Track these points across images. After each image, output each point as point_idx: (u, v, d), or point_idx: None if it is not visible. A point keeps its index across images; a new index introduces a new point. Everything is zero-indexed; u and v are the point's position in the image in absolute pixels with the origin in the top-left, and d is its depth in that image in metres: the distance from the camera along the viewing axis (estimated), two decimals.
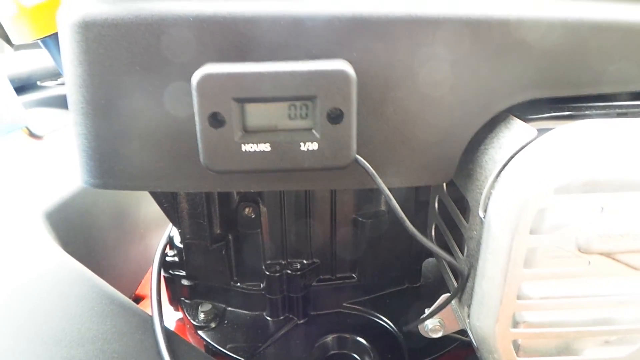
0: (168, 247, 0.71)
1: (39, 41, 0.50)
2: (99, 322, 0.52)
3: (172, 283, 0.70)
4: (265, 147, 0.36)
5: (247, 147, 0.36)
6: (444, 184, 0.52)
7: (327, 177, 0.42)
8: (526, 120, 0.40)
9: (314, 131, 0.36)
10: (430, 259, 0.74)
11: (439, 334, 0.52)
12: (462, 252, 0.47)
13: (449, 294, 0.49)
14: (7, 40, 0.53)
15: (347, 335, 0.66)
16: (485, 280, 0.40)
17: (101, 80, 0.37)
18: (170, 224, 0.70)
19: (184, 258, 0.67)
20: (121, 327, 0.52)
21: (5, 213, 0.68)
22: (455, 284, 0.50)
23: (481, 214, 0.40)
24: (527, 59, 0.39)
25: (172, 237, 0.70)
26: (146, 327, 0.54)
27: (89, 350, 0.48)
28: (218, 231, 0.64)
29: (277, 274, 0.65)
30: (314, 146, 0.36)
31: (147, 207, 0.92)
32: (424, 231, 0.62)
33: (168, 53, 0.36)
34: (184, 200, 0.62)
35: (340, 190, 0.62)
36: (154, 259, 0.67)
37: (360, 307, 0.70)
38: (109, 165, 0.40)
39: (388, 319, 0.68)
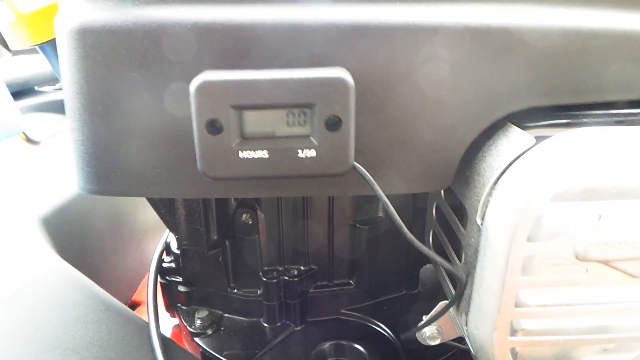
0: (165, 253, 0.70)
1: (36, 47, 0.50)
2: (94, 328, 0.51)
3: (168, 289, 0.70)
4: (263, 154, 0.36)
5: (244, 154, 0.36)
6: (442, 191, 0.52)
7: (325, 184, 0.42)
8: (524, 128, 0.40)
9: (312, 138, 0.36)
10: (428, 265, 0.74)
11: (437, 342, 0.52)
12: (460, 259, 0.47)
13: (446, 301, 0.49)
14: (5, 46, 0.53)
15: (345, 342, 0.66)
16: (483, 288, 0.40)
17: (99, 87, 0.37)
18: (167, 230, 0.70)
19: (181, 264, 0.67)
20: (117, 333, 0.52)
21: (0, 218, 0.68)
22: (453, 291, 0.50)
23: (479, 221, 0.40)
24: (525, 66, 0.39)
25: (169, 243, 0.70)
26: (142, 334, 0.53)
27: (84, 357, 0.48)
28: (215, 237, 0.64)
29: (275, 280, 0.65)
30: (311, 153, 0.36)
31: (144, 212, 0.91)
32: (422, 238, 0.62)
33: (166, 60, 0.36)
34: (181, 206, 0.62)
35: (338, 197, 0.62)
36: (150, 265, 0.67)
37: (357, 314, 0.70)
38: (106, 171, 0.40)
39: (386, 326, 0.68)
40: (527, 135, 0.38)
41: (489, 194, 0.39)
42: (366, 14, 0.36)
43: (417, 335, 0.52)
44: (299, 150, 0.36)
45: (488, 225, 0.38)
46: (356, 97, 0.35)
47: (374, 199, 0.64)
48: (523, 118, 0.42)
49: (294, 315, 0.68)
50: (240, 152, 0.36)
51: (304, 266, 0.67)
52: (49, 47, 0.49)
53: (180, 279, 0.69)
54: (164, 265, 0.69)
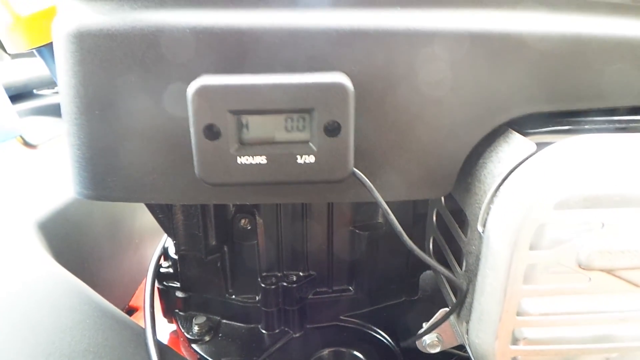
0: (162, 258, 0.70)
1: (34, 50, 0.49)
2: (90, 335, 0.51)
3: (166, 295, 0.69)
4: (261, 159, 0.35)
5: (242, 160, 0.35)
6: (442, 198, 0.52)
7: (324, 191, 0.41)
8: (525, 134, 0.40)
9: (310, 144, 0.35)
10: (428, 272, 0.73)
11: (437, 349, 0.52)
12: (461, 267, 0.46)
13: (447, 309, 0.48)
14: (3, 49, 0.52)
15: (344, 349, 0.65)
16: (485, 296, 0.39)
17: (96, 91, 0.37)
18: (165, 235, 0.69)
19: (179, 269, 0.66)
20: (113, 340, 0.51)
21: None
22: (454, 299, 0.50)
23: (480, 228, 0.39)
24: (525, 72, 0.39)
25: (167, 248, 0.69)
26: (139, 340, 0.53)
27: None
28: (213, 242, 0.63)
29: (273, 286, 0.64)
30: (310, 159, 0.36)
31: (142, 217, 0.91)
32: (422, 244, 0.62)
33: (164, 64, 0.36)
34: (179, 211, 0.61)
35: (337, 202, 0.62)
36: (148, 270, 0.66)
37: (357, 320, 0.69)
38: (103, 176, 0.40)
39: (385, 333, 0.67)
40: (529, 141, 0.38)
41: (491, 201, 0.38)
42: (365, 19, 0.36)
43: (417, 343, 0.52)
44: (298, 156, 0.36)
45: (489, 233, 0.37)
46: (355, 103, 0.35)
47: (373, 204, 0.63)
48: (524, 124, 0.41)
49: (292, 322, 0.67)
50: (238, 157, 0.35)
51: (303, 272, 0.66)
52: (47, 50, 0.49)
53: (178, 285, 0.68)
54: (162, 270, 0.68)
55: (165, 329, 0.75)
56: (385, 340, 0.67)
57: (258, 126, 0.35)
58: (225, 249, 0.64)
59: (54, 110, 1.17)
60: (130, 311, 0.88)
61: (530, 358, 0.42)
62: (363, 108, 0.38)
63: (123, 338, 0.52)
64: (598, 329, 0.41)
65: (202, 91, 0.33)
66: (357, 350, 0.65)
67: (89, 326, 0.52)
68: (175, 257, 0.66)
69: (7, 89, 0.90)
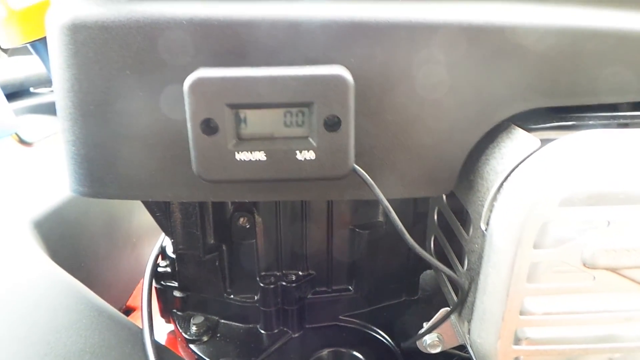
0: (160, 257, 0.69)
1: (28, 45, 0.48)
2: (87, 335, 0.50)
3: (163, 294, 0.69)
4: (260, 155, 0.35)
5: (241, 156, 0.35)
6: (444, 195, 0.51)
7: (324, 188, 0.40)
8: (528, 130, 0.39)
9: (310, 139, 0.35)
10: (429, 271, 0.73)
11: (438, 350, 0.51)
12: (462, 265, 0.45)
13: (448, 308, 0.48)
14: (1, 46, 0.52)
15: (343, 350, 0.65)
16: (487, 295, 0.39)
17: (90, 85, 0.36)
18: (163, 234, 0.69)
19: (177, 269, 0.66)
20: (110, 340, 0.51)
21: None
22: (455, 298, 0.49)
23: (483, 226, 0.38)
24: (528, 67, 0.38)
25: (165, 247, 0.68)
26: (136, 341, 0.52)
27: None
28: (211, 241, 0.62)
29: (272, 286, 0.63)
30: (310, 155, 0.35)
31: (140, 216, 0.90)
32: (423, 243, 0.61)
33: (160, 57, 0.35)
34: (176, 210, 0.61)
35: (337, 201, 0.61)
36: (145, 270, 0.66)
37: (356, 320, 0.68)
38: (99, 173, 0.39)
39: (385, 333, 0.67)
40: (532, 137, 0.37)
41: (494, 198, 0.37)
42: (366, 11, 0.35)
43: (417, 343, 0.51)
44: (297, 152, 0.35)
45: (493, 230, 0.37)
46: (355, 97, 0.34)
47: (373, 202, 0.63)
48: (527, 120, 0.40)
49: (291, 322, 0.66)
50: (236, 153, 0.34)
51: (302, 271, 0.65)
52: (42, 45, 0.48)
53: (175, 284, 0.67)
54: (159, 269, 0.68)
55: (162, 329, 0.74)
56: (385, 341, 0.66)
57: (256, 121, 0.34)
58: (224, 248, 0.63)
59: (51, 109, 1.16)
60: (128, 311, 0.87)
61: (533, 358, 0.42)
62: (362, 103, 0.37)
63: (120, 338, 0.52)
64: (601, 328, 0.41)
65: (199, 84, 0.33)
66: (356, 351, 0.64)
67: (86, 326, 0.51)
68: (173, 256, 0.65)
69: (4, 87, 0.89)
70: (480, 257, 0.39)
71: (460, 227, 0.46)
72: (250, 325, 0.67)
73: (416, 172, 0.40)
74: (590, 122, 0.40)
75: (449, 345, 0.51)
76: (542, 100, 0.40)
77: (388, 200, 0.38)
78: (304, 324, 0.67)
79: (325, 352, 0.64)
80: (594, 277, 0.37)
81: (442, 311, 0.48)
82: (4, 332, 0.49)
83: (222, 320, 0.68)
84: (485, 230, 0.38)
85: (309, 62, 0.35)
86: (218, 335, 0.66)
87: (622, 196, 0.34)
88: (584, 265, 0.36)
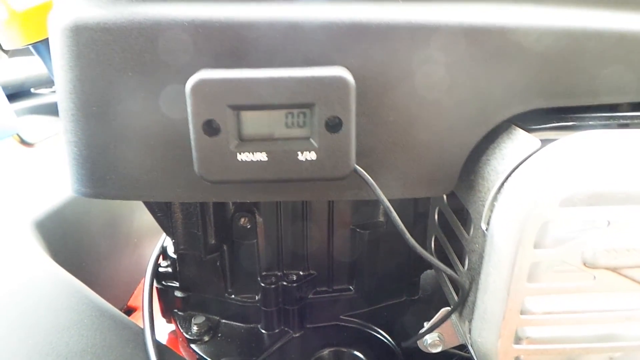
0: (161, 257, 0.69)
1: (30, 47, 0.48)
2: (88, 335, 0.50)
3: (164, 294, 0.69)
4: (261, 156, 0.35)
5: (242, 157, 0.35)
6: (444, 195, 0.51)
7: (325, 188, 0.41)
8: (529, 131, 0.39)
9: (311, 140, 0.35)
10: (429, 271, 0.73)
11: (439, 349, 0.51)
12: (463, 265, 0.45)
13: (448, 308, 0.48)
14: (1, 47, 0.52)
15: (344, 349, 0.65)
16: (488, 295, 0.39)
17: (93, 86, 0.36)
18: (164, 234, 0.69)
19: (178, 269, 0.66)
20: (111, 340, 0.51)
21: None
22: (456, 298, 0.49)
23: (484, 226, 0.38)
24: (528, 68, 0.38)
25: (166, 247, 0.68)
26: (137, 341, 0.52)
27: None
28: (213, 241, 0.63)
29: (273, 286, 0.63)
30: (312, 156, 0.35)
31: (141, 216, 0.90)
32: (423, 243, 0.61)
33: (162, 58, 0.35)
34: (178, 210, 0.61)
35: (338, 201, 0.61)
36: (146, 270, 0.66)
37: (357, 320, 0.69)
38: (101, 174, 0.39)
39: (386, 332, 0.67)
40: (533, 138, 0.37)
41: (494, 198, 0.37)
42: (367, 13, 0.36)
43: (418, 342, 0.51)
44: (299, 153, 0.35)
45: (493, 230, 0.37)
46: (356, 98, 0.34)
47: (374, 202, 0.63)
48: (527, 120, 0.41)
49: (292, 322, 0.66)
50: (238, 154, 0.35)
51: (303, 271, 0.65)
52: (43, 46, 0.48)
53: (176, 284, 0.67)
54: (161, 269, 0.68)
55: (164, 329, 0.74)
56: (385, 340, 0.66)
57: (258, 122, 0.35)
58: (225, 248, 0.64)
59: (51, 109, 1.16)
60: (129, 311, 0.87)
61: (533, 357, 0.42)
62: (363, 104, 0.37)
63: (121, 338, 0.52)
64: (602, 328, 0.41)
65: (201, 85, 0.33)
66: (357, 350, 0.64)
67: (87, 326, 0.51)
68: (174, 256, 0.65)
69: (4, 88, 0.89)
70: (481, 257, 0.39)
71: (461, 227, 0.46)
72: (251, 325, 0.67)
73: (417, 172, 0.40)
74: (591, 123, 0.41)
75: (449, 345, 0.51)
76: (542, 100, 0.40)
77: (389, 200, 0.38)
78: (305, 324, 0.68)
79: (326, 351, 0.65)
80: (595, 277, 0.37)
81: (443, 311, 0.48)
82: (5, 332, 0.49)
83: (223, 320, 0.68)
84: (486, 230, 0.38)
85: (310, 63, 0.35)
86: (219, 335, 0.66)
87: (623, 196, 0.35)
88: (585, 265, 0.36)
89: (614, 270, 0.37)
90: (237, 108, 0.34)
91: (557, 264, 0.37)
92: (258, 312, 0.66)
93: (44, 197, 0.72)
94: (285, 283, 0.64)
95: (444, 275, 0.53)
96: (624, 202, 0.34)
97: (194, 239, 0.62)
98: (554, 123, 0.40)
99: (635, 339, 0.41)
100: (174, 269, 0.67)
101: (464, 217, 0.48)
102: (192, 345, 0.65)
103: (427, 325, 0.50)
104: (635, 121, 0.42)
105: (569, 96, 0.40)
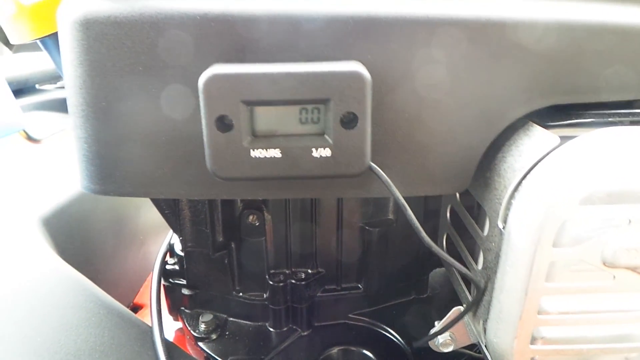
0: (168, 254, 0.69)
1: (37, 41, 0.48)
2: (96, 332, 0.50)
3: (172, 292, 0.68)
4: (275, 152, 0.34)
5: (256, 153, 0.34)
6: (457, 193, 0.50)
7: (339, 185, 0.40)
8: (547, 127, 0.38)
9: (326, 136, 0.34)
10: (437, 270, 0.72)
11: (450, 348, 0.50)
12: (477, 264, 0.45)
13: (460, 307, 0.47)
14: (5, 42, 0.51)
15: (353, 348, 0.64)
16: (504, 294, 0.38)
17: (102, 81, 0.35)
18: (171, 231, 0.68)
19: (185, 266, 0.65)
20: (119, 337, 0.50)
21: (0, 218, 0.66)
22: (469, 297, 0.49)
23: (500, 225, 0.38)
24: (546, 63, 0.37)
25: (173, 244, 0.68)
26: (145, 338, 0.52)
27: None
28: (220, 239, 0.62)
29: (281, 284, 0.63)
30: (326, 152, 0.34)
31: (147, 213, 0.90)
32: (434, 242, 0.60)
33: (173, 53, 0.34)
34: (185, 207, 0.60)
35: (347, 198, 0.60)
36: (153, 267, 0.65)
37: (365, 319, 0.68)
38: (110, 170, 0.39)
39: (395, 331, 0.66)
40: (551, 135, 0.37)
41: (512, 196, 0.37)
42: (383, 7, 0.35)
43: (429, 342, 0.51)
44: (313, 149, 0.34)
45: (511, 229, 0.36)
46: (372, 94, 0.34)
47: (383, 200, 0.62)
48: (545, 117, 0.40)
49: (300, 320, 0.66)
50: (251, 150, 0.34)
51: (311, 269, 0.65)
52: (51, 41, 0.47)
53: (184, 282, 0.67)
54: (168, 267, 0.67)
55: (171, 327, 0.74)
56: (394, 339, 0.66)
57: (271, 118, 0.34)
58: (233, 245, 0.63)
59: (57, 106, 1.16)
60: (136, 309, 0.87)
61: (549, 358, 0.41)
62: (378, 99, 0.36)
63: (129, 336, 0.51)
64: (619, 328, 0.40)
65: (214, 81, 0.32)
66: (366, 349, 0.64)
67: (95, 324, 0.51)
68: (182, 253, 0.65)
69: (10, 84, 0.89)
70: (497, 256, 0.39)
71: (476, 225, 0.45)
72: (259, 323, 0.67)
73: (432, 169, 0.39)
74: (610, 120, 0.40)
75: (460, 345, 0.50)
76: (560, 97, 0.39)
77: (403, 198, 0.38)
78: (313, 322, 0.67)
79: (334, 350, 0.64)
80: (614, 277, 0.36)
81: (455, 310, 0.48)
82: (13, 329, 0.49)
83: (231, 318, 0.68)
84: (503, 228, 0.37)
85: (325, 59, 0.34)
86: (227, 333, 0.66)
87: None
88: (604, 264, 0.35)
89: (634, 269, 0.36)
90: (251, 103, 0.33)
91: (574, 264, 0.36)
92: (266, 310, 0.66)
93: (51, 194, 0.72)
94: (293, 281, 0.63)
95: (456, 274, 0.52)
96: None
97: (202, 237, 0.61)
98: (572, 120, 0.40)
99: None
100: (181, 266, 0.66)
101: (475, 215, 0.47)
102: (200, 344, 0.64)
103: (438, 324, 0.49)
104: None
105: (589, 92, 0.39)
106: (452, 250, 0.53)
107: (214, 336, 0.65)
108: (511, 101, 0.38)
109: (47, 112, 1.14)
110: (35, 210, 0.68)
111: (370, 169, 0.36)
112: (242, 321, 0.67)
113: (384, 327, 0.67)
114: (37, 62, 1.24)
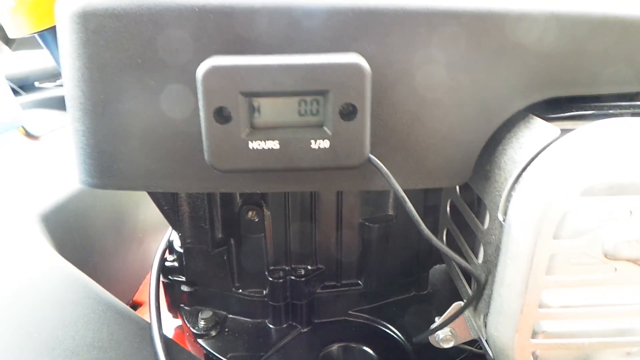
0: (167, 251, 0.69)
1: (36, 35, 0.48)
2: (95, 329, 0.50)
3: (171, 289, 0.68)
4: (273, 144, 0.34)
5: (254, 145, 0.34)
6: (457, 187, 0.50)
7: (338, 178, 0.40)
8: (547, 120, 0.38)
9: (325, 128, 0.34)
10: (438, 266, 0.72)
11: (451, 344, 0.50)
12: (477, 258, 0.45)
13: (461, 302, 0.47)
14: (6, 41, 0.51)
15: (353, 344, 0.64)
16: (505, 288, 0.38)
17: (101, 74, 0.35)
18: (170, 228, 0.68)
19: (184, 263, 0.65)
20: (118, 334, 0.50)
21: None
22: (470, 292, 0.48)
23: (501, 217, 0.38)
24: (546, 55, 0.37)
25: (172, 241, 0.68)
26: (144, 335, 0.51)
27: (84, 359, 0.46)
28: (220, 235, 0.62)
29: (281, 280, 0.63)
30: (325, 144, 0.34)
31: (146, 210, 0.89)
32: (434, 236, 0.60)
33: (172, 45, 0.34)
34: (184, 203, 0.60)
35: (347, 193, 0.60)
36: (152, 264, 0.65)
37: (366, 315, 0.68)
38: (108, 164, 0.38)
39: (395, 328, 0.66)
40: (552, 126, 0.37)
41: (512, 188, 0.37)
42: None
43: (429, 337, 0.50)
44: (312, 141, 0.34)
45: (511, 221, 0.36)
46: (371, 85, 0.33)
47: (383, 195, 0.62)
48: (545, 109, 0.40)
49: (300, 317, 0.66)
50: (250, 142, 0.34)
51: (311, 266, 0.65)
52: (50, 35, 0.47)
53: (183, 279, 0.67)
54: (167, 264, 0.67)
55: (170, 324, 0.74)
56: (394, 335, 0.66)
57: (270, 109, 0.34)
58: (232, 241, 0.63)
59: (56, 103, 1.16)
60: (135, 306, 0.87)
61: (550, 352, 0.41)
62: (378, 91, 0.36)
63: (128, 332, 0.51)
64: (620, 322, 0.40)
65: (213, 72, 0.32)
66: (366, 346, 0.64)
67: (94, 320, 0.51)
68: (181, 250, 0.64)
69: (8, 81, 0.88)
70: (497, 249, 0.38)
71: (476, 219, 0.45)
72: (259, 320, 0.67)
73: (432, 162, 0.39)
74: (610, 112, 0.40)
75: (461, 340, 0.50)
76: (560, 90, 0.39)
77: (403, 191, 0.37)
78: (313, 319, 0.67)
79: (334, 346, 0.64)
80: (615, 269, 0.36)
81: (455, 305, 0.47)
82: (12, 326, 0.49)
83: (230, 315, 0.67)
84: (503, 221, 0.37)
85: (325, 50, 0.34)
86: (226, 330, 0.66)
87: None
88: (605, 256, 0.35)
89: (635, 262, 0.36)
90: (249, 95, 0.33)
91: (575, 256, 0.36)
92: (265, 307, 0.65)
93: (50, 191, 0.72)
94: (293, 277, 0.63)
95: (456, 268, 0.52)
96: None
97: (201, 233, 0.61)
98: (572, 112, 0.39)
99: None
100: (180, 263, 0.66)
101: (475, 209, 0.47)
102: (199, 340, 0.64)
103: (439, 320, 0.49)
104: None
105: (588, 84, 0.39)
106: (452, 246, 0.53)
107: (213, 333, 0.65)
108: (511, 94, 0.38)
109: (46, 110, 1.14)
110: (34, 207, 0.67)
111: (370, 160, 0.36)
112: (241, 318, 0.67)
113: (384, 323, 0.67)
114: (37, 60, 1.24)
